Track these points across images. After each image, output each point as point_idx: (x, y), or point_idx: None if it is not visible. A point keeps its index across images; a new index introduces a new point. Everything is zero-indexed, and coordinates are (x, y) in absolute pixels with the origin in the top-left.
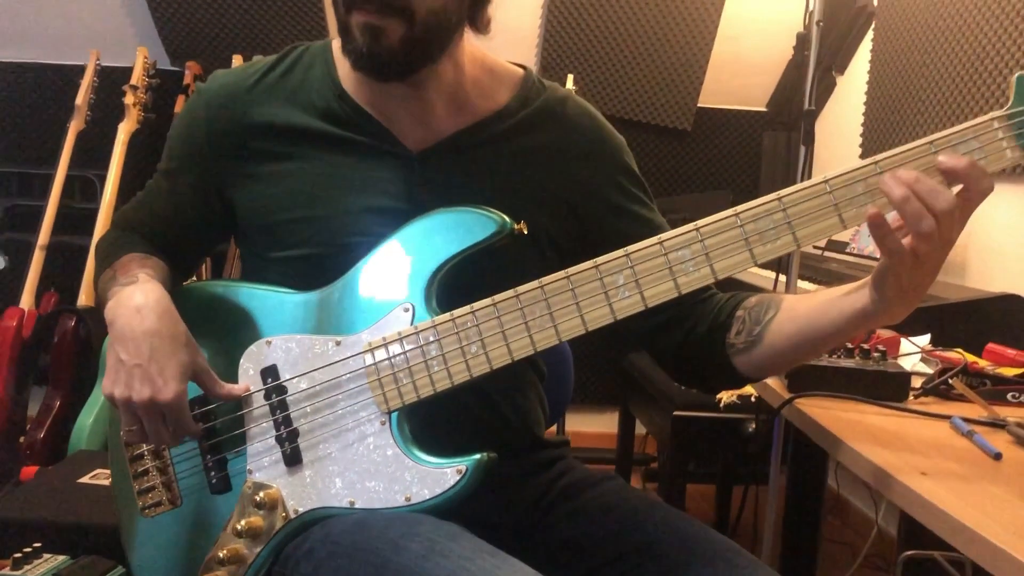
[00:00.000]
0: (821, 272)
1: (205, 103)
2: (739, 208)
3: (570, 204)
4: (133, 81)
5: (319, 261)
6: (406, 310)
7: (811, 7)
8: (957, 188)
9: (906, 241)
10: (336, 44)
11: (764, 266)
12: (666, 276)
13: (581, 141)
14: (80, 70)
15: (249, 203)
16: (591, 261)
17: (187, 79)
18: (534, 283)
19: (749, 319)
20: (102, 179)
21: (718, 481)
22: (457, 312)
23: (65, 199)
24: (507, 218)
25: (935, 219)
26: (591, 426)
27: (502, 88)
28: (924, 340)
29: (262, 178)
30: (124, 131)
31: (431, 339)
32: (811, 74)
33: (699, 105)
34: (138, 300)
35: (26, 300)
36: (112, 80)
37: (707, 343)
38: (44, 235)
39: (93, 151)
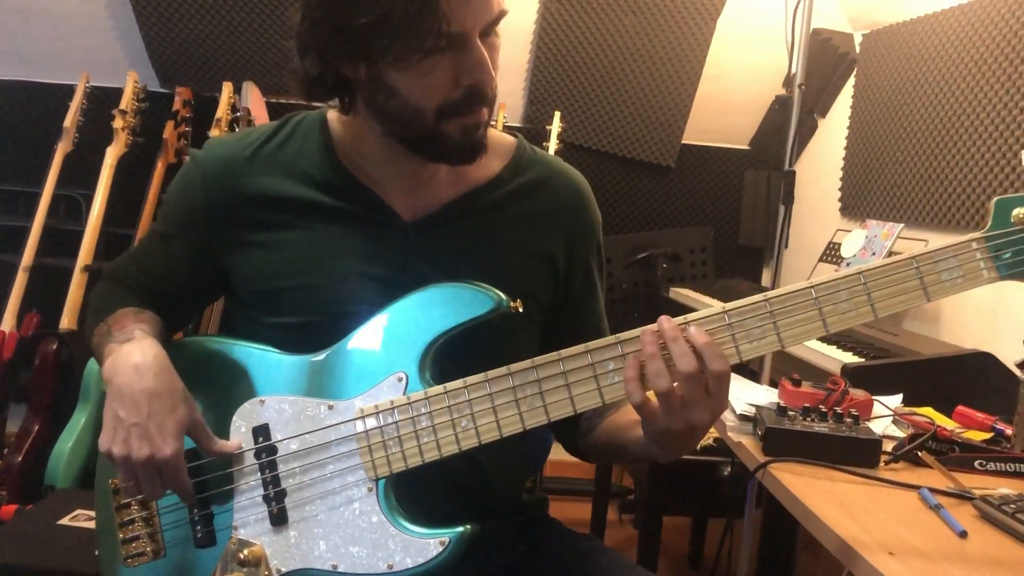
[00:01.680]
0: None
1: (201, 173)
2: (728, 305)
3: (554, 267)
4: (122, 106)
5: (313, 328)
6: (400, 379)
7: (793, 71)
8: None
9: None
10: (332, 114)
11: None
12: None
13: (570, 210)
14: (69, 89)
15: (245, 271)
16: (583, 345)
17: (176, 105)
18: (527, 362)
19: (599, 409)
20: (88, 198)
21: (693, 515)
22: (450, 385)
23: (50, 219)
24: (503, 296)
25: (674, 379)
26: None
27: (495, 157)
28: (896, 400)
29: (259, 246)
30: (112, 155)
31: (423, 410)
32: (792, 136)
33: (683, 142)
34: (136, 358)
35: (7, 322)
36: (101, 100)
37: (569, 420)
38: (28, 256)
39: (80, 170)
